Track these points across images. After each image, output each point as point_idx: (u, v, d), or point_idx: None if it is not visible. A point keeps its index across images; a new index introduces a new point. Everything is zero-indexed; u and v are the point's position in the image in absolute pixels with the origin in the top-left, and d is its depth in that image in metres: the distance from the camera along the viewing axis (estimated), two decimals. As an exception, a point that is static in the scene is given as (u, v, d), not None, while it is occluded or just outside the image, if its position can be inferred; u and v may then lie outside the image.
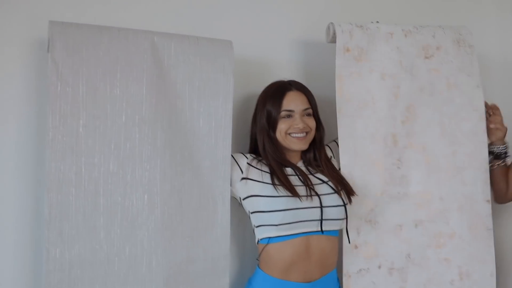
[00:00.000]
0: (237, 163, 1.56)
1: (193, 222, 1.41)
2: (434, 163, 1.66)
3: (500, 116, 1.70)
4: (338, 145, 1.68)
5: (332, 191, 1.53)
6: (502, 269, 1.81)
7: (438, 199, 1.66)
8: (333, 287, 1.57)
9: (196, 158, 1.42)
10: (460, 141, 1.67)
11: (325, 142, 1.68)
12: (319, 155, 1.61)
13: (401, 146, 1.65)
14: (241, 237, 1.73)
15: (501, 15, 2.08)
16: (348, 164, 1.61)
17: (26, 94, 1.45)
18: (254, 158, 1.59)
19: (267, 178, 1.52)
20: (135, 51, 1.36)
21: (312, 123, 1.58)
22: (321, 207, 1.50)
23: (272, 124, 1.55)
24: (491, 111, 1.70)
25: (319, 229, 1.50)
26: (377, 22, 1.68)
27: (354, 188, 1.57)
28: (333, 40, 1.68)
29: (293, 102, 1.55)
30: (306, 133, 1.56)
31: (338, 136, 1.62)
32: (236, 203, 1.60)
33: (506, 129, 1.70)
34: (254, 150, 1.62)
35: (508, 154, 1.71)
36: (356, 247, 1.60)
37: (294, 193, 1.47)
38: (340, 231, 1.58)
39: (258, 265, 1.56)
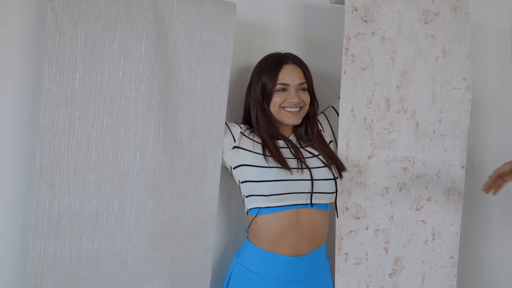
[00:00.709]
0: (230, 131, 1.53)
1: (182, 183, 1.41)
2: (422, 129, 1.70)
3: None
4: (326, 116, 1.70)
5: (323, 165, 1.53)
6: (465, 228, 1.97)
7: (421, 163, 1.72)
8: (322, 262, 1.59)
9: (190, 120, 1.42)
10: (448, 109, 1.72)
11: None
12: (311, 130, 1.60)
13: (393, 111, 1.67)
14: (230, 209, 1.70)
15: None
16: (346, 126, 1.60)
17: (25, 45, 1.39)
18: (247, 128, 1.57)
19: (258, 148, 1.50)
20: (137, 7, 1.33)
21: (306, 98, 1.56)
22: (312, 180, 1.50)
23: (266, 97, 1.53)
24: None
25: (309, 202, 1.50)
26: None
27: (348, 157, 1.59)
28: (337, 1, 1.62)
29: (288, 75, 1.53)
30: (300, 107, 1.55)
31: (340, 97, 1.59)
32: (228, 174, 1.57)
33: None
34: (247, 121, 1.59)
35: None
36: (347, 208, 1.62)
37: (284, 165, 1.46)
38: (332, 206, 1.59)
39: (247, 237, 1.55)
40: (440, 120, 1.73)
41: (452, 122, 1.74)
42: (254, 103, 1.54)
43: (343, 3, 1.57)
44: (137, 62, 1.32)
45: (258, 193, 1.48)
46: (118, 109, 1.31)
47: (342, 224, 1.61)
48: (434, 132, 1.72)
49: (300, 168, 1.49)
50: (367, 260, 1.65)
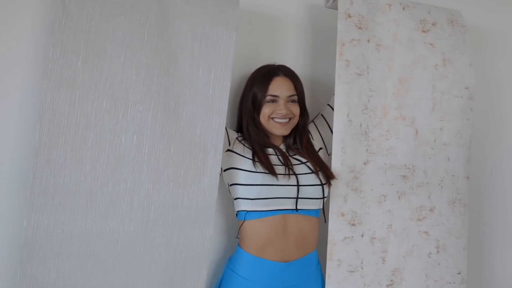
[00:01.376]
0: (228, 135, 1.58)
1: (180, 169, 1.41)
2: (422, 137, 1.68)
3: None
4: (315, 124, 1.71)
5: (310, 171, 1.55)
6: (473, 243, 1.88)
7: (422, 172, 1.68)
8: (312, 269, 1.58)
9: (191, 107, 1.42)
10: (449, 118, 1.70)
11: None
12: (300, 140, 1.63)
13: (391, 117, 1.66)
14: (230, 216, 1.72)
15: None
16: (341, 131, 1.60)
17: (33, 29, 1.45)
18: (241, 135, 1.62)
19: (248, 153, 1.55)
20: None
21: (296, 109, 1.59)
22: (298, 185, 1.52)
23: (257, 107, 1.57)
24: None
25: (295, 207, 1.52)
26: None
27: (343, 162, 1.58)
28: (332, 6, 1.66)
29: (279, 87, 1.56)
30: (290, 119, 1.58)
31: (334, 101, 1.60)
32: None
33: None
34: (240, 129, 1.64)
35: None
36: (342, 214, 1.59)
37: (271, 171, 1.50)
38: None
39: (238, 243, 1.58)
40: (441, 129, 1.70)
41: (455, 131, 1.70)
42: (245, 113, 1.59)
43: (337, 9, 1.61)
44: (139, 48, 1.35)
45: (244, 196, 1.51)
46: (118, 92, 1.34)
47: (336, 229, 1.58)
48: (435, 140, 1.69)
49: (286, 174, 1.52)
50: (362, 268, 1.60)
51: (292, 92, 1.59)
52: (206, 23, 1.43)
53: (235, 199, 1.55)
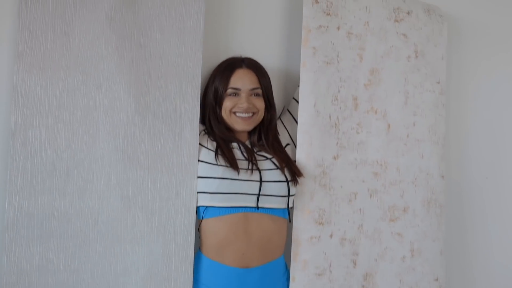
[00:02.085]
0: None
1: (157, 143, 1.39)
2: (395, 132, 1.58)
3: None
4: (281, 120, 1.61)
5: (275, 167, 1.44)
6: (450, 247, 1.76)
7: (395, 169, 1.58)
8: (278, 277, 1.45)
9: (164, 80, 1.41)
10: (422, 113, 1.61)
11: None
12: (265, 138, 1.51)
13: (362, 110, 1.56)
14: None
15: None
16: (306, 122, 1.49)
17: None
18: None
19: (211, 145, 1.46)
20: None
21: (259, 104, 1.48)
22: (260, 181, 1.40)
23: (218, 101, 1.48)
24: None
25: (256, 205, 1.40)
26: None
27: (309, 155, 1.47)
28: None
29: (240, 80, 1.47)
30: (253, 113, 1.47)
31: (300, 91, 1.50)
32: None
33: None
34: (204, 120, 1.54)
35: None
36: (308, 212, 1.47)
37: (232, 164, 1.39)
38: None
39: (199, 246, 1.46)
40: (414, 124, 1.60)
41: (428, 126, 1.61)
42: (207, 107, 1.50)
43: None
44: (107, 23, 1.35)
45: (204, 190, 1.40)
46: (88, 68, 1.34)
47: (301, 227, 1.46)
48: (408, 136, 1.60)
49: (249, 169, 1.41)
50: (330, 272, 1.47)
51: (255, 85, 1.48)
52: None
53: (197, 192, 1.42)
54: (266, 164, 1.45)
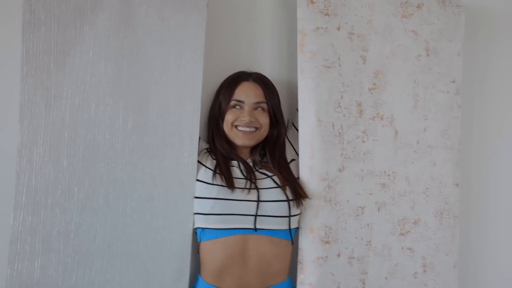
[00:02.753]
0: (198, 146, 1.40)
1: (155, 160, 1.39)
2: (403, 138, 1.46)
3: None
4: (286, 136, 1.49)
5: (275, 186, 1.34)
6: (464, 260, 1.65)
7: (404, 179, 1.46)
8: None
9: (163, 94, 1.40)
10: (434, 116, 1.48)
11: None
12: (271, 155, 1.41)
13: (367, 116, 1.44)
14: None
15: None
16: (308, 132, 1.37)
17: (4, 34, 1.47)
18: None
19: (211, 165, 1.38)
20: None
21: (264, 119, 1.39)
22: (258, 201, 1.30)
23: (221, 114, 1.42)
24: None
25: (254, 226, 1.30)
26: None
27: (312, 168, 1.36)
28: None
29: (244, 93, 1.40)
30: (256, 128, 1.38)
31: (299, 100, 1.38)
32: None
33: None
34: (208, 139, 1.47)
35: None
36: (312, 230, 1.36)
37: (228, 183, 1.32)
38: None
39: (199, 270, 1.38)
40: (425, 129, 1.48)
41: (441, 131, 1.49)
42: (210, 121, 1.44)
43: None
44: (106, 40, 1.37)
45: (198, 211, 1.32)
46: (89, 87, 1.36)
47: (305, 248, 1.35)
48: (418, 142, 1.48)
49: (245, 188, 1.31)
50: (338, 294, 1.37)
51: (260, 99, 1.39)
52: (174, 3, 1.41)
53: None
54: (266, 182, 1.35)
